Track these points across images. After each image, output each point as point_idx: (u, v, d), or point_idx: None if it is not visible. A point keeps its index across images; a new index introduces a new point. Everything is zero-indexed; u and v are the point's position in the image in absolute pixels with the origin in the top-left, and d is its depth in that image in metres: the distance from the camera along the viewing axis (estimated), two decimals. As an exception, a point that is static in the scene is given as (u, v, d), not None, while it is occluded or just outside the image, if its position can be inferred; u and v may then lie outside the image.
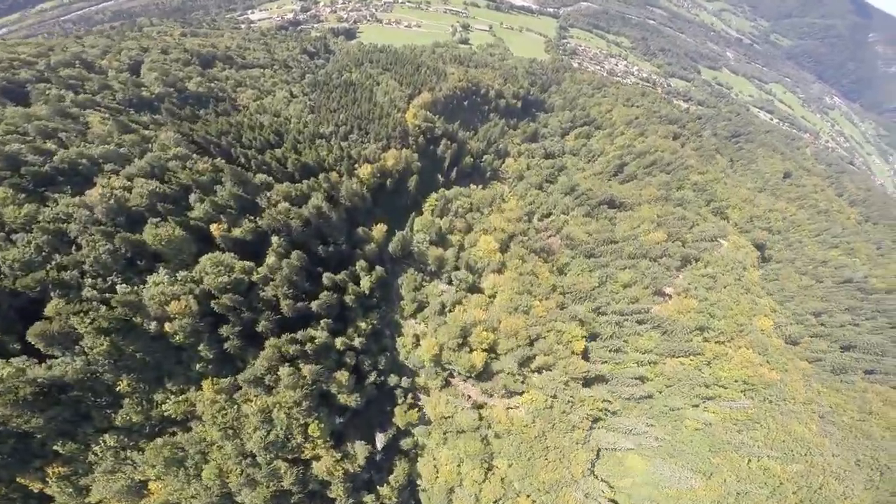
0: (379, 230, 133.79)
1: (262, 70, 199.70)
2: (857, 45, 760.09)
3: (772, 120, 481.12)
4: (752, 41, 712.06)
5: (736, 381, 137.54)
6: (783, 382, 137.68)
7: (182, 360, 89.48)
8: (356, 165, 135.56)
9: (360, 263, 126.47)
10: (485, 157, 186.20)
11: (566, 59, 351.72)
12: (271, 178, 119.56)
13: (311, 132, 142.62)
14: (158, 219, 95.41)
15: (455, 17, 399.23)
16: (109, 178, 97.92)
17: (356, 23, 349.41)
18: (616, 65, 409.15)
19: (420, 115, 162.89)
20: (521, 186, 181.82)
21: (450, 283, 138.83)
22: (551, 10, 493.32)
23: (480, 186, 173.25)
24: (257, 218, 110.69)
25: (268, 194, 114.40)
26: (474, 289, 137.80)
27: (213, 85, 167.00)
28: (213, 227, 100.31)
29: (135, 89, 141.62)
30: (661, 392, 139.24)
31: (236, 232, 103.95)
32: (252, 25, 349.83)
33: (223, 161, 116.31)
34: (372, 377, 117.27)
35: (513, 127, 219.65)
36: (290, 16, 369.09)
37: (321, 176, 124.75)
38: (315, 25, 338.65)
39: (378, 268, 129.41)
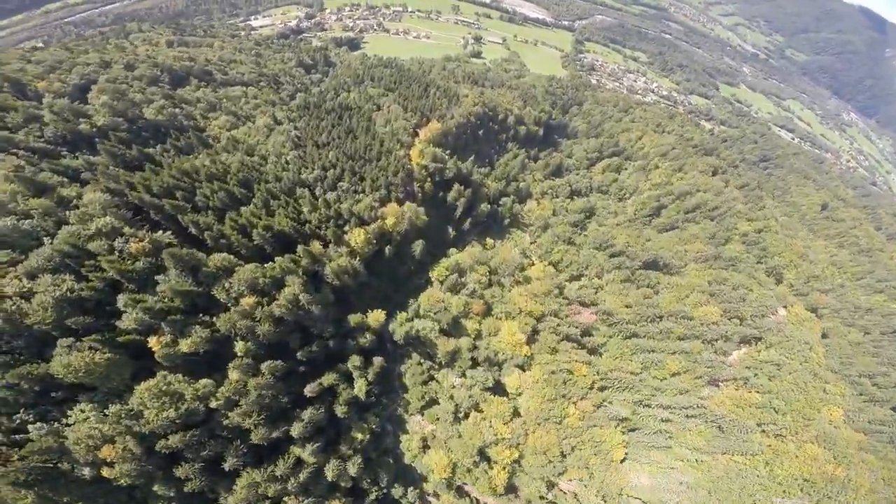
0: (376, 318, 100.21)
1: (244, 89, 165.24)
2: (874, 62, 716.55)
3: (793, 139, 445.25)
4: (768, 56, 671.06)
5: (795, 479, 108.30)
6: (848, 479, 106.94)
7: (136, 498, 69.01)
8: (346, 228, 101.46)
9: (354, 360, 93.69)
10: (503, 199, 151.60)
11: (585, 76, 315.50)
12: (233, 255, 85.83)
13: (291, 179, 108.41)
14: (72, 339, 66.10)
15: (467, 28, 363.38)
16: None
17: (362, 32, 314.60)
18: (635, 81, 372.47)
19: (428, 154, 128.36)
20: (547, 239, 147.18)
21: (463, 375, 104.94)
22: (566, 22, 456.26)
23: (499, 241, 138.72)
24: (214, 318, 77.86)
25: (228, 283, 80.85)
26: (495, 386, 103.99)
27: (178, 111, 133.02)
28: (153, 341, 71.19)
29: (71, 122, 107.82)
30: (710, 493, 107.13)
31: (184, 345, 72.94)
32: (253, 32, 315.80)
33: (167, 236, 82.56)
34: (373, 495, 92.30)
35: (533, 158, 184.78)
36: (294, 23, 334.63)
37: (300, 249, 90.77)
38: (318, 34, 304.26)
39: (376, 359, 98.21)
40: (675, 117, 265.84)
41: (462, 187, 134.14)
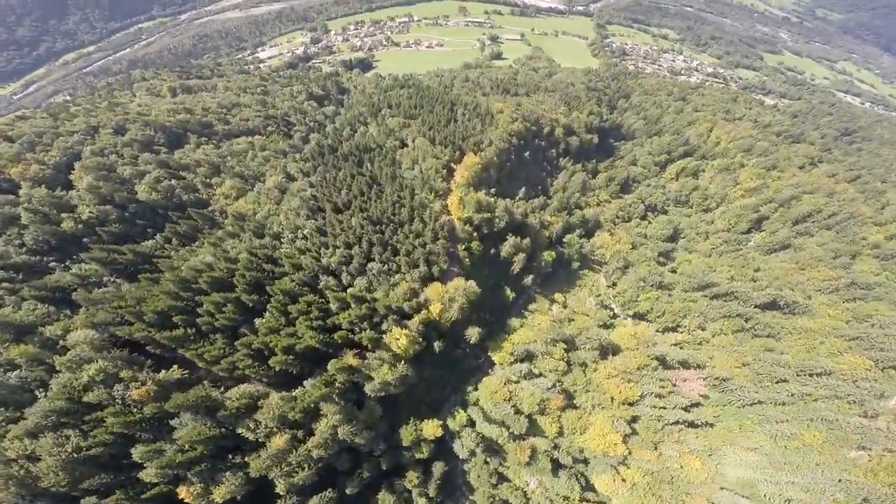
0: (432, 430, 71.79)
1: (250, 140, 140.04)
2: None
3: (863, 104, 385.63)
4: (800, 19, 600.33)
5: None
6: None
7: None
8: (385, 326, 73.04)
9: (412, 477, 67.94)
10: (567, 237, 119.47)
11: (620, 63, 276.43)
12: (253, 384, 59.78)
13: (311, 267, 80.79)
14: (94, 499, 54.06)
15: (479, 29, 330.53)
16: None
17: (371, 50, 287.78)
18: (674, 61, 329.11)
19: (470, 203, 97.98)
20: (630, 283, 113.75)
21: (542, 483, 74.99)
22: (580, 8, 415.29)
23: (569, 293, 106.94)
24: (245, 458, 59.58)
25: (253, 422, 55.81)
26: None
27: (175, 182, 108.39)
28: (183, 492, 57.34)
29: (53, 220, 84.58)
30: None
31: (218, 494, 57.22)
32: (261, 65, 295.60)
33: (173, 373, 58.69)
34: None
35: (592, 172, 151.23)
36: (301, 50, 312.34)
37: (332, 366, 63.56)
38: (327, 58, 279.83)
39: (437, 465, 76.52)
40: (738, 99, 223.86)
41: (517, 237, 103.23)
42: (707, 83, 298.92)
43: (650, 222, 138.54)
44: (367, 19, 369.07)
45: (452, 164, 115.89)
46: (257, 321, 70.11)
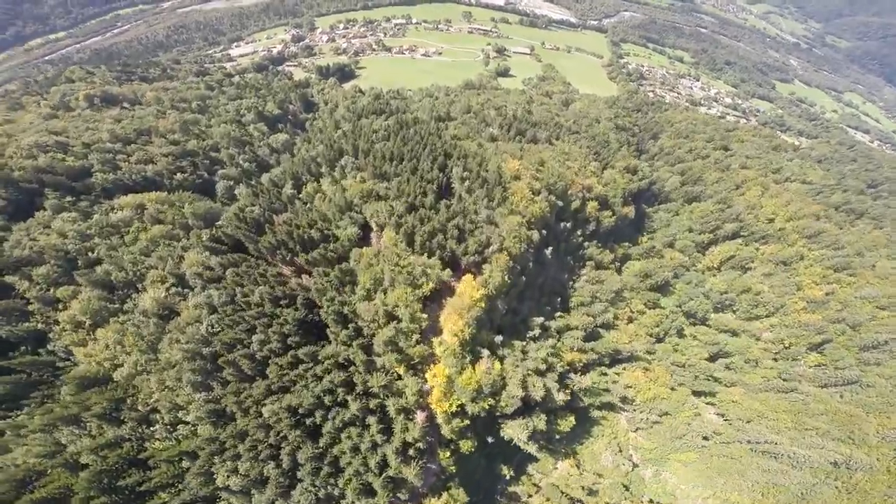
0: None
1: (140, 202, 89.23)
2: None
3: (872, 142, 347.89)
4: (810, 45, 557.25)
5: None
6: None
7: None
8: None
9: None
10: (589, 383, 72.35)
11: (641, 90, 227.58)
12: None
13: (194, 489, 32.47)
14: None
15: (484, 38, 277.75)
16: None
17: (357, 54, 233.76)
18: (692, 88, 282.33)
19: (465, 387, 50.52)
20: (660, 439, 67.62)
21: None
22: (594, 22, 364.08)
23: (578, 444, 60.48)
24: None
25: None
26: None
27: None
28: None
29: None
30: None
31: None
32: (229, 64, 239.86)
33: None
34: None
35: (621, 260, 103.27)
36: (279, 48, 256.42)
37: None
38: (304, 61, 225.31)
39: None
40: (778, 146, 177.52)
41: (525, 419, 56.20)
42: (728, 116, 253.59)
43: (689, 338, 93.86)
44: (361, 18, 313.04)
45: (442, 293, 67.35)
46: None
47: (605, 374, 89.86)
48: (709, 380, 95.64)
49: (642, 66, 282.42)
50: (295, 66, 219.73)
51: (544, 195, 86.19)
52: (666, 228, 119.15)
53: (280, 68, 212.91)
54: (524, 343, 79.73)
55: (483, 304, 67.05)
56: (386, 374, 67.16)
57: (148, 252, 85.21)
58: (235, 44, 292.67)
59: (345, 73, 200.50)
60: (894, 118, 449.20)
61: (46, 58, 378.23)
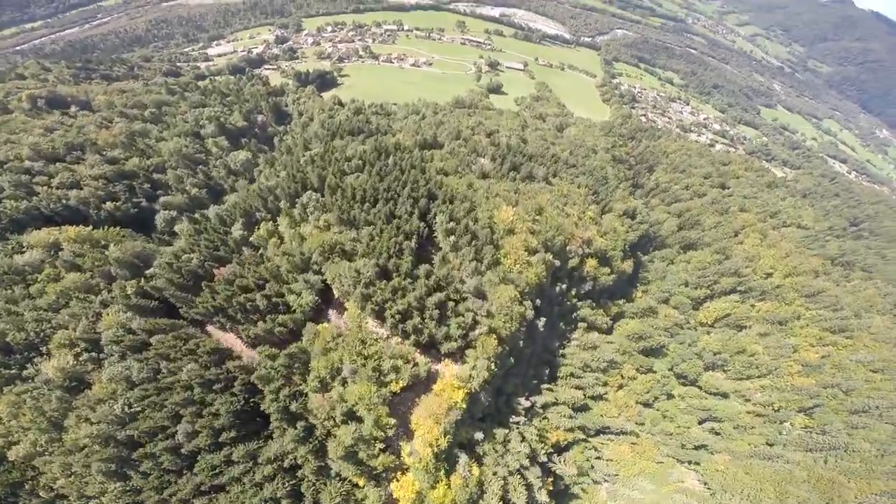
0: None
1: (55, 238, 71.89)
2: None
3: (850, 173, 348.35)
4: (793, 69, 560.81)
5: None
6: None
7: None
8: None
9: None
10: (573, 462, 59.03)
11: (632, 112, 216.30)
12: None
13: None
14: None
15: (477, 50, 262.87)
16: None
17: (342, 60, 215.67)
18: (682, 113, 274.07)
19: None
20: None
21: None
22: (587, 39, 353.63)
23: None
24: None
25: None
26: None
27: None
28: None
29: None
30: None
31: None
32: (204, 64, 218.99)
33: None
34: None
35: (614, 319, 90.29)
36: (261, 49, 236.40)
37: None
38: (283, 65, 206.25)
39: None
40: (772, 183, 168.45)
41: None
42: (717, 144, 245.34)
43: (678, 397, 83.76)
44: (351, 21, 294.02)
45: (416, 383, 52.27)
46: None
47: (589, 445, 78.46)
48: (696, 449, 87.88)
49: (634, 88, 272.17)
50: (273, 69, 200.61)
51: (541, 255, 72.01)
52: (661, 282, 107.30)
53: (257, 71, 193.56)
54: (507, 431, 65.44)
55: (464, 405, 52.45)
56: (342, 483, 52.10)
57: (57, 307, 67.85)
58: (216, 42, 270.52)
59: (326, 81, 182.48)
60: (867, 146, 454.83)
61: (18, 48, 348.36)
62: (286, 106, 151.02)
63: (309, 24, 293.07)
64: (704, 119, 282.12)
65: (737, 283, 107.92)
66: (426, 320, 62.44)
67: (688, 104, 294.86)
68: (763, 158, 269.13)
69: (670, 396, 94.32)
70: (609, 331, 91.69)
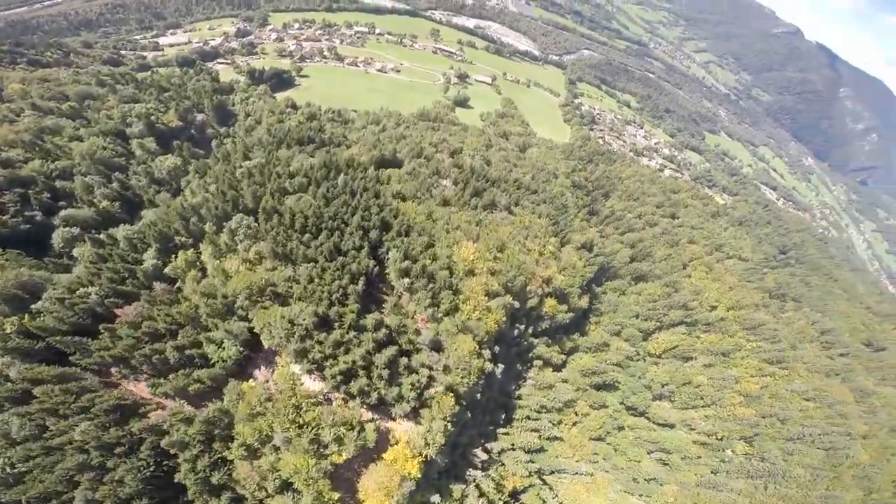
0: None
1: None
2: (829, 102, 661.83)
3: (778, 200, 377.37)
4: (737, 97, 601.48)
5: None
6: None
7: None
8: None
9: None
10: None
11: (591, 133, 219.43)
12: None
13: None
14: None
15: (448, 60, 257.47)
16: None
17: (304, 59, 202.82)
18: (636, 136, 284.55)
19: None
20: None
21: None
22: (554, 57, 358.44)
23: None
24: None
25: None
26: None
27: None
28: None
29: None
30: None
31: None
32: (152, 53, 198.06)
33: None
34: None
35: (567, 353, 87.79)
36: (217, 41, 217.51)
37: None
38: (239, 59, 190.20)
39: None
40: (717, 214, 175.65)
41: None
42: (666, 169, 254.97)
43: (628, 428, 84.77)
44: (321, 20, 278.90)
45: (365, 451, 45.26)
46: None
47: (545, 486, 75.37)
48: (647, 482, 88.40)
49: (594, 109, 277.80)
50: (227, 64, 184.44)
51: (501, 300, 67.46)
52: (613, 314, 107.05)
53: (209, 65, 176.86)
54: (464, 486, 60.23)
55: (419, 473, 46.11)
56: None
57: None
58: (171, 31, 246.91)
59: (282, 81, 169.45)
60: (794, 174, 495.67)
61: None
62: (233, 105, 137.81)
63: (276, 19, 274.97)
64: (656, 143, 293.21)
65: (684, 315, 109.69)
66: (374, 380, 55.47)
67: (642, 127, 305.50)
68: (706, 185, 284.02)
69: (621, 429, 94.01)
70: (563, 365, 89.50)
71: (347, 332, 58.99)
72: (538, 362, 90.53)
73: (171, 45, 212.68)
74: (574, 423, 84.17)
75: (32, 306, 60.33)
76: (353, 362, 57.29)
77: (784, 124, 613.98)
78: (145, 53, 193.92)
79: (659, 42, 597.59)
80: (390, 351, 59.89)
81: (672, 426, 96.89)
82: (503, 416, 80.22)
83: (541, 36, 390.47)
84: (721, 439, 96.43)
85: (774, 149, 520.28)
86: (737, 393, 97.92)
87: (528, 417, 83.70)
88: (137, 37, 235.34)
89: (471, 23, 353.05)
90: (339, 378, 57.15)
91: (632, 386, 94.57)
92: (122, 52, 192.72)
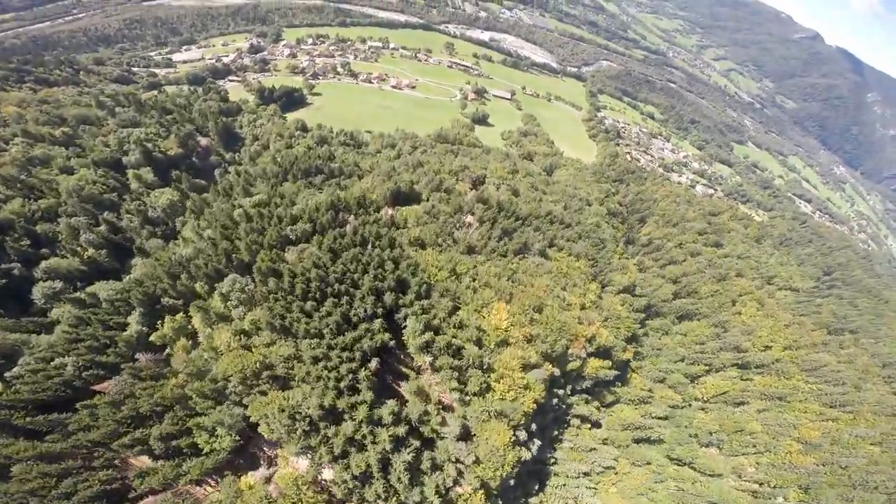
0: None
1: None
2: (857, 108, 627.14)
3: (814, 214, 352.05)
4: (762, 105, 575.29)
5: None
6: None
7: None
8: None
9: None
10: None
11: (620, 152, 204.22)
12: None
13: None
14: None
15: (464, 74, 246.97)
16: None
17: (316, 76, 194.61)
18: (663, 150, 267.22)
19: None
20: None
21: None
22: (573, 68, 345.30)
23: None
24: None
25: None
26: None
27: None
28: None
29: None
30: None
31: None
32: (165, 70, 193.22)
33: None
34: None
35: (607, 405, 73.70)
36: (230, 57, 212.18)
37: None
38: (251, 77, 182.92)
39: None
40: (761, 239, 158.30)
41: None
42: (697, 185, 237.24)
43: (670, 479, 69.36)
44: (334, 35, 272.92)
45: None
46: None
47: None
48: None
49: (618, 122, 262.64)
50: (238, 81, 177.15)
51: (540, 372, 54.26)
52: (656, 359, 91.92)
53: (220, 83, 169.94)
54: None
55: None
56: None
57: None
58: (186, 47, 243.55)
59: (293, 99, 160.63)
60: (828, 184, 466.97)
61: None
62: (240, 128, 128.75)
63: (290, 34, 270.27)
64: (684, 157, 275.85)
65: (736, 357, 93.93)
66: (393, 482, 43.33)
67: (668, 140, 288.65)
68: (740, 200, 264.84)
69: (662, 481, 79.22)
70: (599, 421, 75.84)
71: (360, 427, 47.04)
72: (575, 421, 77.77)
73: (184, 62, 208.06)
74: (613, 484, 70.27)
75: (6, 374, 50.75)
76: (368, 463, 45.50)
77: (812, 132, 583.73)
78: (157, 70, 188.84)
79: (678, 51, 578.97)
80: (411, 448, 47.72)
81: (720, 475, 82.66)
82: (536, 486, 67.01)
83: (557, 48, 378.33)
84: (774, 488, 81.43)
85: (805, 158, 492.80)
86: (795, 440, 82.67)
87: (564, 485, 70.74)
88: (152, 53, 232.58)
89: (485, 35, 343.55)
90: (350, 483, 45.32)
91: (678, 437, 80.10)
92: (134, 69, 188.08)
